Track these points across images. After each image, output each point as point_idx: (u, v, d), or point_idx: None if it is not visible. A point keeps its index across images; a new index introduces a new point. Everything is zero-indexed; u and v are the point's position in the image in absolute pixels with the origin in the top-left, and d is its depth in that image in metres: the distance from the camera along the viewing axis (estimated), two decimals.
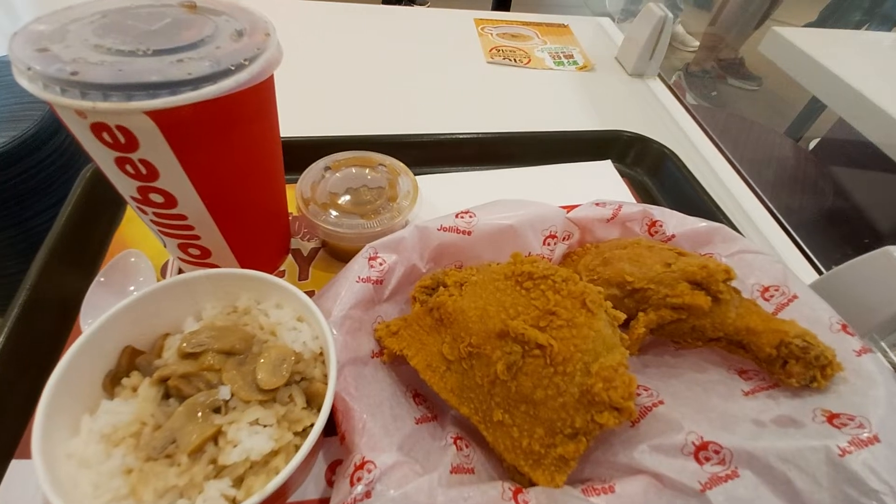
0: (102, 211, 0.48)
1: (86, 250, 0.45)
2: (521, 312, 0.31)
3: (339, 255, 0.46)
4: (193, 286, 0.32)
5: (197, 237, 0.36)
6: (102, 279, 0.39)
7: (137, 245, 0.45)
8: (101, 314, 0.29)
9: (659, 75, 0.81)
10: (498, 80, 0.78)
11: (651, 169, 0.60)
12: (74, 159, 1.13)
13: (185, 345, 0.29)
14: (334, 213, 0.43)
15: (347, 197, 0.44)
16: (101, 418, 0.26)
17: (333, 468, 0.34)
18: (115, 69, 0.26)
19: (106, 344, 0.29)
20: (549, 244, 0.42)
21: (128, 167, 0.30)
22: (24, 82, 0.26)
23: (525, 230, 0.41)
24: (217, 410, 0.27)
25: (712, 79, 2.21)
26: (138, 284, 0.40)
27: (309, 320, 0.31)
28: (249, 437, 0.26)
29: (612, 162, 0.60)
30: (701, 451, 0.28)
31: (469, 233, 0.40)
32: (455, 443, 0.31)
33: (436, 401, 0.36)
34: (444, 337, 0.33)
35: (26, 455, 0.33)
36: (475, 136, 0.59)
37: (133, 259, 0.41)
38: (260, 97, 0.33)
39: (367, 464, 0.28)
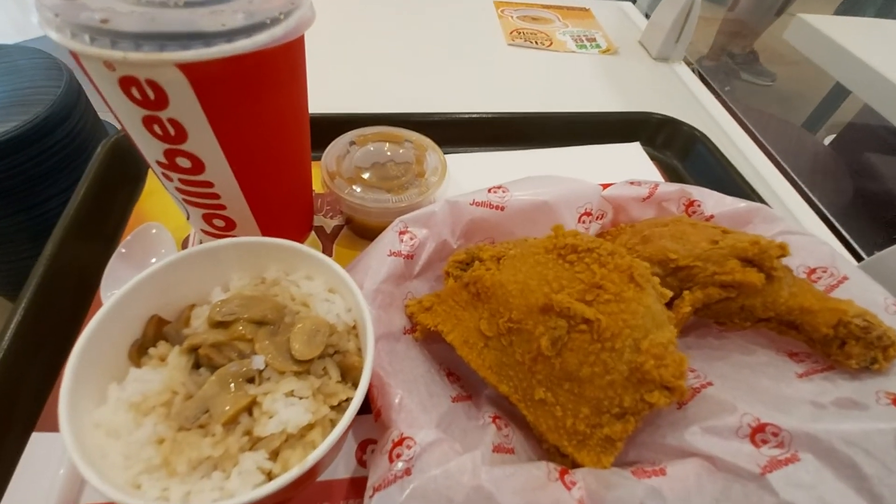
0: (122, 184, 0.47)
1: (105, 223, 0.44)
2: (566, 286, 0.29)
3: (363, 232, 0.45)
4: (221, 255, 0.31)
5: (222, 207, 0.34)
6: (124, 250, 0.38)
7: (157, 219, 0.44)
8: (123, 286, 0.27)
9: (685, 59, 0.78)
10: (519, 63, 0.76)
11: (681, 152, 0.58)
12: (86, 144, 1.12)
13: (215, 313, 0.27)
14: (360, 187, 0.41)
15: (374, 172, 0.43)
16: (129, 387, 0.25)
17: (364, 447, 0.32)
18: (146, 18, 0.24)
19: (132, 312, 0.28)
20: (583, 222, 0.40)
21: (155, 128, 0.28)
22: (50, 32, 0.24)
23: (560, 207, 0.39)
24: (250, 381, 0.25)
25: (725, 74, 2.17)
26: (160, 256, 0.39)
27: (342, 292, 0.30)
28: (286, 408, 0.24)
29: (641, 145, 0.58)
30: (758, 434, 0.27)
31: (502, 208, 0.38)
32: (494, 422, 0.30)
33: (470, 379, 0.35)
34: (482, 312, 0.32)
35: (47, 428, 0.32)
36: (500, 115, 0.58)
37: (154, 231, 0.39)
38: (291, 58, 0.31)
39: (405, 440, 0.26)
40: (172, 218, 0.44)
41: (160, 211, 0.45)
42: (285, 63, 0.30)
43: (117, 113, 0.29)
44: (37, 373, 0.34)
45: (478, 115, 0.57)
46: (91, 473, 0.21)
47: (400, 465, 0.25)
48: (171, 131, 0.28)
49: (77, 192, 0.44)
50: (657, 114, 0.59)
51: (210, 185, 0.32)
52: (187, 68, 0.25)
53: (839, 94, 1.39)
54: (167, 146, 0.29)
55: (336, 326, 0.29)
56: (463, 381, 0.34)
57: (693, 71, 0.76)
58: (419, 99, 0.65)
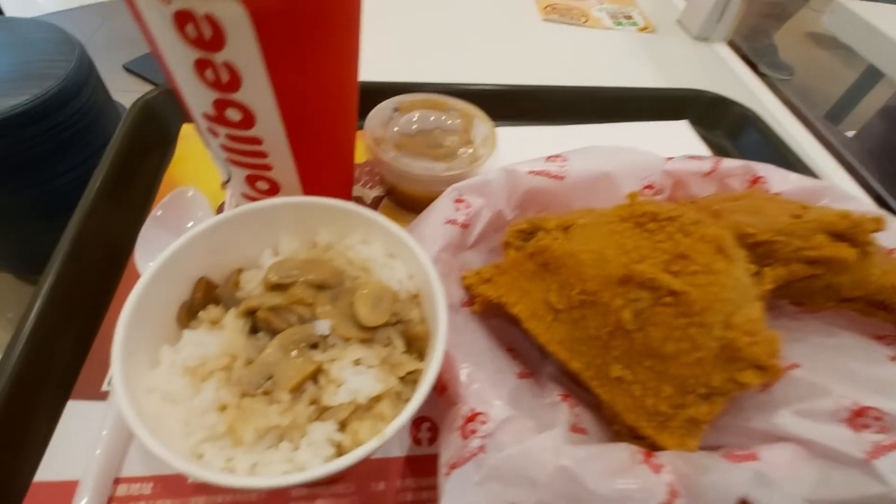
0: (152, 149, 0.44)
1: (135, 190, 0.42)
2: (647, 256, 0.27)
3: (406, 202, 0.42)
4: (273, 215, 0.29)
5: (268, 167, 0.32)
6: (159, 213, 0.36)
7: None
8: (158, 252, 0.25)
9: (729, 41, 0.76)
10: (553, 39, 0.73)
11: (732, 132, 0.55)
12: (97, 122, 1.10)
13: (272, 275, 0.25)
14: (406, 155, 0.39)
15: (420, 139, 0.40)
16: (184, 350, 0.23)
17: (418, 424, 0.30)
18: None
19: (179, 273, 0.26)
20: (645, 195, 0.38)
21: (208, 73, 0.26)
22: None
23: (621, 178, 0.37)
24: (314, 347, 0.23)
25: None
26: (197, 220, 0.37)
27: (404, 257, 0.28)
28: (355, 377, 0.22)
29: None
30: (858, 418, 0.25)
31: (561, 178, 0.36)
32: (564, 400, 0.28)
33: (530, 356, 0.33)
34: (550, 284, 0.30)
35: (82, 395, 0.30)
36: (541, 88, 0.55)
37: (191, 194, 0.37)
38: (351, 6, 0.29)
39: (478, 416, 0.24)
40: (205, 184, 0.42)
41: (192, 177, 0.43)
42: (346, 8, 0.28)
43: (167, 57, 0.26)
44: (69, 341, 0.32)
45: (518, 87, 0.54)
46: (152, 441, 0.19)
47: (476, 441, 0.23)
48: (225, 77, 0.26)
49: (106, 156, 0.42)
50: (708, 92, 0.56)
51: (258, 141, 0.30)
52: (250, 1, 0.23)
53: (860, 89, 1.35)
54: (218, 95, 0.27)
55: (398, 294, 0.27)
56: (523, 357, 0.32)
57: (737, 52, 0.73)
58: (450, 73, 0.62)
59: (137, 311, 0.23)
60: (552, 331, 0.29)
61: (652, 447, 0.26)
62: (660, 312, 0.26)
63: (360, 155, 0.41)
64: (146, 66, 1.88)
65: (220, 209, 0.41)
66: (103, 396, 0.29)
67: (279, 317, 0.24)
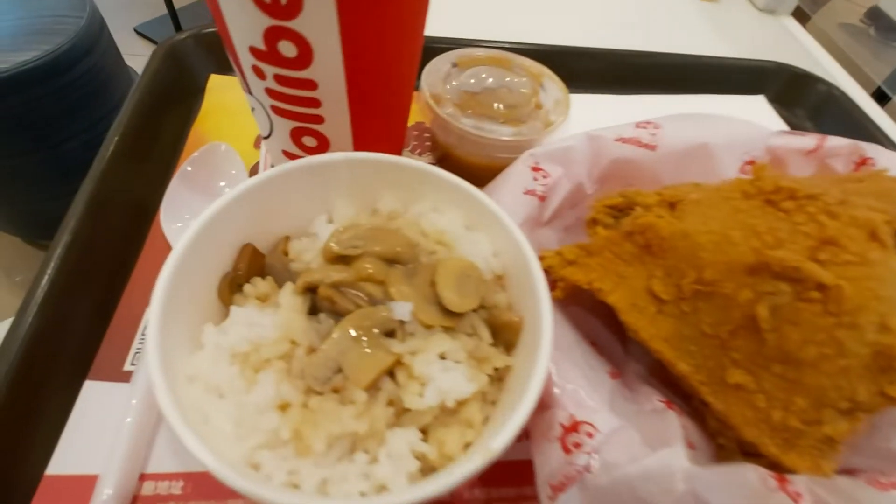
0: (177, 99, 0.40)
1: (158, 144, 0.37)
2: (785, 241, 0.22)
3: (461, 170, 0.37)
4: (327, 174, 0.24)
5: (319, 119, 0.27)
6: (189, 168, 0.31)
7: None
8: (186, 213, 0.21)
9: (797, 10, 0.69)
10: (609, 4, 0.67)
11: (814, 111, 0.50)
12: (108, 84, 1.04)
13: (333, 244, 0.21)
14: (469, 115, 0.34)
15: (484, 99, 0.35)
16: (232, 331, 0.19)
17: None
18: None
19: (220, 239, 0.22)
20: (745, 172, 0.33)
21: None
22: None
23: (721, 152, 0.32)
24: (390, 334, 0.19)
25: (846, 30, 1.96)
26: (230, 179, 0.32)
27: (488, 229, 0.23)
28: (442, 374, 0.18)
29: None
30: None
31: (653, 147, 0.31)
32: (669, 408, 0.24)
33: (613, 352, 0.28)
34: (653, 270, 0.25)
35: (101, 376, 0.26)
36: (599, 51, 0.50)
37: (223, 149, 0.33)
38: None
39: (580, 425, 0.20)
40: (234, 142, 0.37)
41: (221, 134, 0.38)
42: None
43: None
44: (85, 313, 0.28)
45: (580, 49, 0.49)
46: (197, 444, 0.14)
47: (581, 458, 0.19)
48: None
49: (127, 104, 0.37)
50: (790, 65, 0.51)
51: (313, 85, 0.25)
52: None
53: None
54: (272, 22, 0.22)
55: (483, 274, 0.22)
56: (607, 353, 0.28)
57: (806, 26, 0.67)
58: (498, 29, 0.56)
59: (176, 280, 0.18)
60: (656, 325, 0.24)
61: (772, 467, 0.22)
62: (802, 310, 0.21)
63: (418, 114, 0.36)
64: (158, 30, 1.81)
65: (253, 170, 0.36)
66: (126, 377, 0.25)
67: (345, 296, 0.20)
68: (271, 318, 0.19)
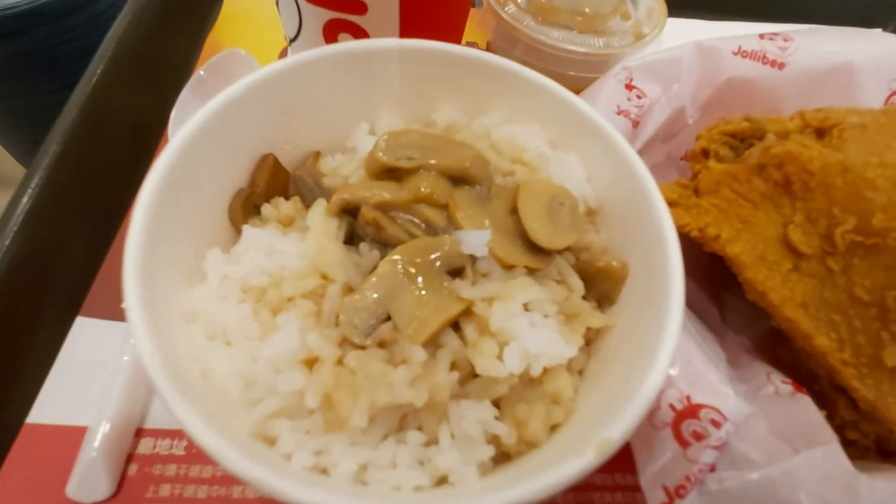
0: (191, 3, 0.34)
1: (168, 52, 0.32)
2: None
3: None
4: (372, 67, 0.18)
5: (363, 7, 0.22)
6: (203, 73, 0.26)
7: None
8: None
9: None
10: None
11: None
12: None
13: (382, 153, 0.15)
14: (541, 21, 0.28)
15: (562, 3, 0.28)
16: (244, 259, 0.14)
17: None
18: None
19: (233, 142, 0.17)
20: (892, 103, 0.26)
21: None
22: None
23: (866, 74, 0.25)
24: (456, 274, 0.14)
25: None
26: None
27: (585, 147, 0.17)
28: (530, 331, 0.13)
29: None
30: None
31: (782, 65, 0.24)
32: (799, 392, 0.18)
33: (708, 316, 0.23)
34: (792, 215, 0.19)
35: (95, 312, 0.22)
36: None
37: (243, 55, 0.27)
38: None
39: (702, 409, 0.15)
40: (258, 53, 0.32)
41: (244, 42, 0.33)
42: None
43: None
44: (79, 241, 0.24)
45: None
46: (188, 412, 0.10)
47: (706, 454, 0.14)
48: None
49: (129, 7, 0.32)
50: None
51: None
52: None
53: None
54: None
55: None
56: (703, 318, 0.22)
57: None
58: None
59: (170, 186, 0.14)
60: (790, 286, 0.19)
61: None
62: None
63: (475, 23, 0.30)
64: None
65: None
66: (123, 316, 0.21)
67: (395, 221, 0.15)
68: (297, 244, 0.14)
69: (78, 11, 0.92)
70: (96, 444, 0.18)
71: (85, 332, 0.21)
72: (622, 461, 0.16)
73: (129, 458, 0.18)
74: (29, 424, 0.19)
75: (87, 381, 0.19)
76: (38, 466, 0.18)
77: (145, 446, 0.19)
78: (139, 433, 0.19)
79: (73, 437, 0.18)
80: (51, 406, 0.19)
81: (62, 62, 0.94)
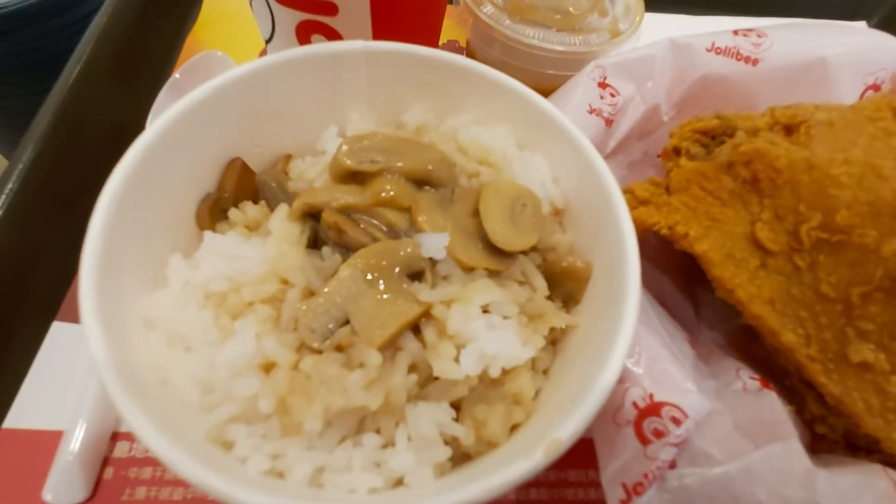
0: (170, 4, 0.34)
1: (147, 53, 0.32)
2: None
3: None
4: (341, 69, 0.18)
5: (333, 8, 0.22)
6: (178, 76, 0.26)
7: None
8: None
9: None
10: None
11: None
12: None
13: (345, 156, 0.16)
14: (518, 20, 0.28)
15: (536, 1, 0.28)
16: (205, 263, 0.14)
17: None
18: None
19: (200, 145, 0.17)
20: (867, 97, 0.26)
21: None
22: None
23: (840, 71, 0.25)
24: (415, 277, 0.14)
25: None
26: None
27: (550, 149, 0.17)
28: (488, 333, 0.13)
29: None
30: None
31: (756, 61, 0.24)
32: (766, 388, 0.18)
33: (683, 314, 0.23)
34: (759, 212, 0.19)
35: (71, 318, 0.22)
36: None
37: (219, 57, 0.27)
38: None
39: (663, 407, 0.16)
40: (237, 55, 0.32)
41: (223, 44, 0.33)
42: None
43: None
44: (56, 244, 0.24)
45: None
46: (139, 418, 0.10)
47: (665, 451, 0.14)
48: None
49: (105, 8, 0.32)
50: None
51: None
52: None
53: None
54: None
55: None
56: (677, 315, 0.22)
57: None
58: None
59: (127, 197, 0.14)
60: (757, 283, 0.19)
61: (884, 463, 0.17)
62: None
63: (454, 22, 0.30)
64: None
65: None
66: None
67: (357, 225, 0.15)
68: (259, 249, 0.14)
69: (66, 12, 0.92)
70: (72, 447, 0.18)
71: (61, 337, 0.21)
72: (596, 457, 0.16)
73: (106, 461, 0.19)
74: (5, 429, 0.19)
75: (64, 386, 0.20)
76: (14, 471, 0.18)
77: (121, 450, 0.19)
78: (115, 437, 0.19)
79: (49, 441, 0.18)
80: (27, 411, 0.19)
81: (51, 63, 0.93)
